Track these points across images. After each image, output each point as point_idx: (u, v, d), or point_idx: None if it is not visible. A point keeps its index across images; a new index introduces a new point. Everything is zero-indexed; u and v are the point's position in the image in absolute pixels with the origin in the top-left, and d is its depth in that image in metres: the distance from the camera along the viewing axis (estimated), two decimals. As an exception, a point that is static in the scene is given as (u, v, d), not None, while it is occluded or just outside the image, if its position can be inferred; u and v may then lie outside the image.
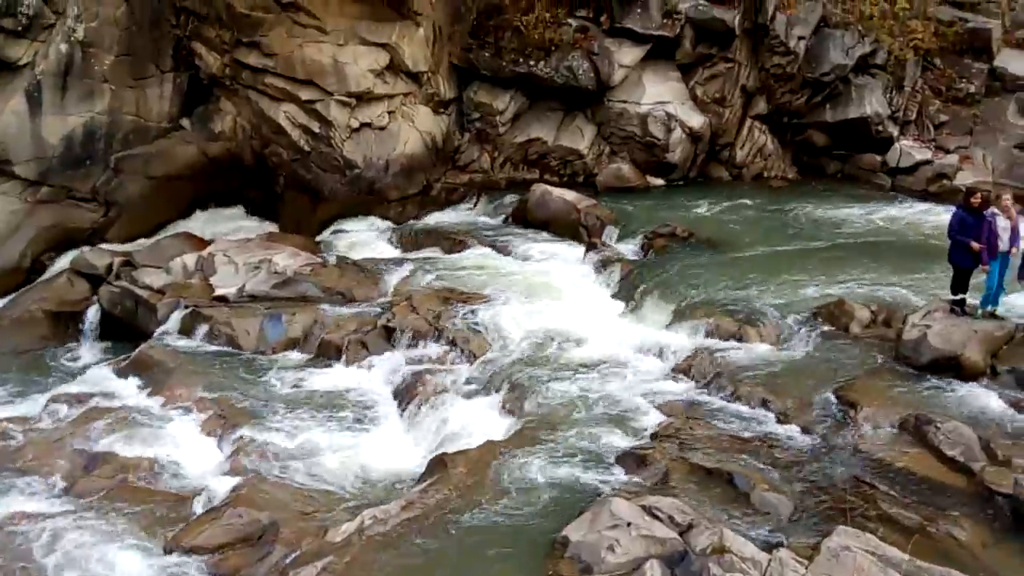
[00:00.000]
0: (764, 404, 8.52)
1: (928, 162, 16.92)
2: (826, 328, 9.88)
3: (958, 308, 9.20)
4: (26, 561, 6.75)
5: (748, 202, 15.31)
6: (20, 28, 13.40)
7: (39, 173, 13.95)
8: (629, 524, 6.28)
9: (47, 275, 13.82)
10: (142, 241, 14.53)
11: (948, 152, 17.10)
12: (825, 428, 8.02)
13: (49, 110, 13.88)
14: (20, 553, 6.87)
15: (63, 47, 13.88)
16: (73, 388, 9.89)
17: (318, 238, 14.96)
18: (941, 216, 14.32)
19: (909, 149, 17.07)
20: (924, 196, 16.22)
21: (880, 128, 16.92)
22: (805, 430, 8.05)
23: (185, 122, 15.81)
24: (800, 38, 16.57)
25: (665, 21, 16.31)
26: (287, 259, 12.41)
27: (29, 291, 13.18)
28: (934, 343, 8.77)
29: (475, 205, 16.12)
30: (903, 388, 8.52)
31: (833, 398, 8.43)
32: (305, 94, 15.46)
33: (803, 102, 17.08)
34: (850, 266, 11.67)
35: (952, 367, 8.65)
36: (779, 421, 8.25)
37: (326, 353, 10.49)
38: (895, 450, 7.55)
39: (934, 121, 17.57)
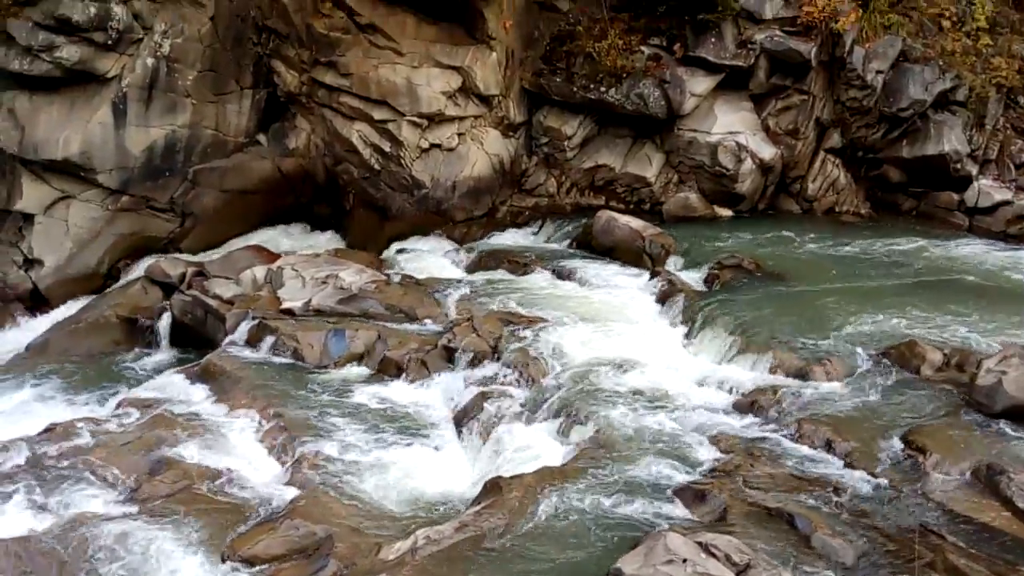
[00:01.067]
0: (828, 445, 8.30)
1: (1008, 203, 16.41)
2: (896, 369, 9.59)
3: (1037, 355, 8.87)
4: (89, 560, 6.92)
5: (818, 236, 15.02)
6: (109, 42, 13.96)
7: (121, 182, 14.47)
8: (685, 560, 6.17)
9: (123, 281, 14.30)
10: (214, 252, 14.94)
11: (1030, 193, 16.60)
12: (892, 473, 7.77)
13: (133, 122, 14.40)
14: (84, 552, 7.05)
15: (149, 61, 14.40)
16: (142, 393, 10.13)
17: (384, 255, 15.16)
18: (1020, 258, 13.93)
19: (988, 188, 16.59)
20: (1003, 237, 15.73)
21: (959, 166, 16.49)
22: (871, 474, 7.81)
23: (261, 137, 16.25)
24: (878, 72, 16.27)
25: (739, 51, 16.20)
26: (353, 275, 12.59)
27: (105, 296, 13.65)
28: (1010, 390, 8.45)
29: (540, 229, 16.17)
30: (975, 435, 8.22)
31: (901, 443, 8.18)
32: (378, 114, 15.75)
33: (879, 137, 16.76)
34: (923, 306, 11.34)
35: (1028, 416, 8.34)
36: (844, 463, 8.02)
37: (387, 370, 10.59)
38: (965, 500, 7.29)
39: (1015, 161, 17.04)
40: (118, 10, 13.88)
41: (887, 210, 17.14)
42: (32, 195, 14.21)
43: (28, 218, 14.30)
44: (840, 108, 16.71)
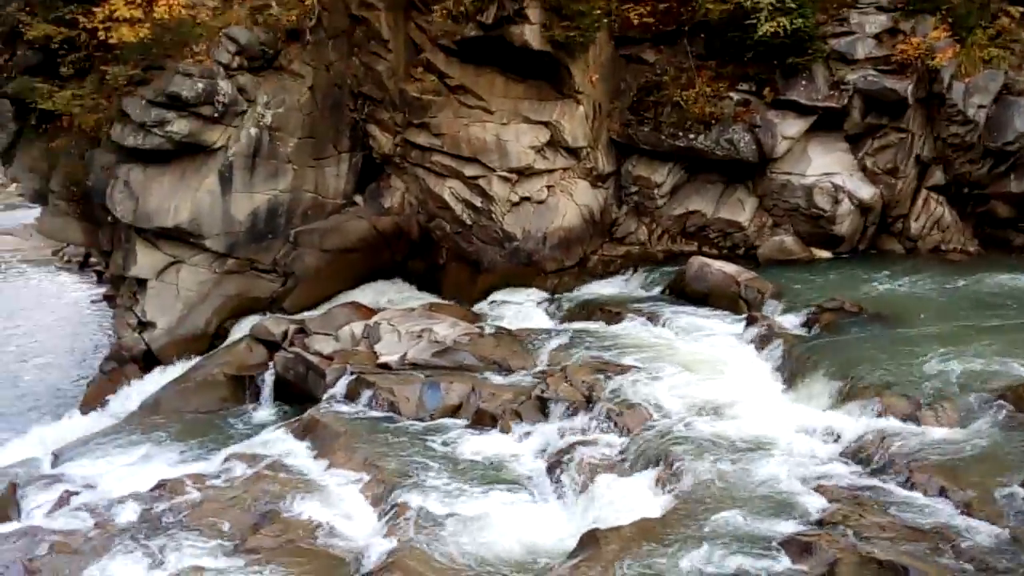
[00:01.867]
0: (942, 493, 7.88)
1: (1125, 236, 15.54)
2: (1011, 412, 9.05)
3: None
4: (198, 612, 7.12)
5: (924, 276, 14.46)
6: (216, 115, 14.73)
7: (227, 246, 15.13)
8: (791, 615, 5.92)
9: (229, 340, 14.86)
10: (315, 310, 15.39)
11: None
12: (1013, 522, 7.31)
13: (239, 188, 15.10)
14: (193, 604, 7.24)
15: (253, 131, 15.14)
16: (247, 448, 10.46)
17: (477, 308, 15.33)
18: None
19: (1105, 221, 15.74)
20: (1122, 272, 14.86)
21: (1071, 199, 15.72)
22: (990, 522, 7.36)
23: (358, 198, 16.81)
24: (980, 106, 15.72)
25: (832, 92, 15.94)
26: (447, 328, 12.77)
27: (213, 355, 14.19)
28: None
29: (631, 277, 16.09)
30: (1104, 481, 7.69)
31: (1021, 489, 7.69)
32: (469, 171, 16.09)
33: (984, 172, 16.13)
34: (1039, 346, 10.75)
35: None
36: (960, 512, 7.59)
37: (482, 422, 10.64)
38: (1096, 551, 6.80)
39: None
40: (224, 85, 14.67)
41: (996, 246, 16.41)
42: (145, 261, 15.00)
43: (142, 283, 15.08)
44: (941, 145, 16.19)
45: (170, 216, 14.73)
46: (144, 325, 14.98)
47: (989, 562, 6.88)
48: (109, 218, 15.34)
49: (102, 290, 23.02)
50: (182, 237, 14.94)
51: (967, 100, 15.72)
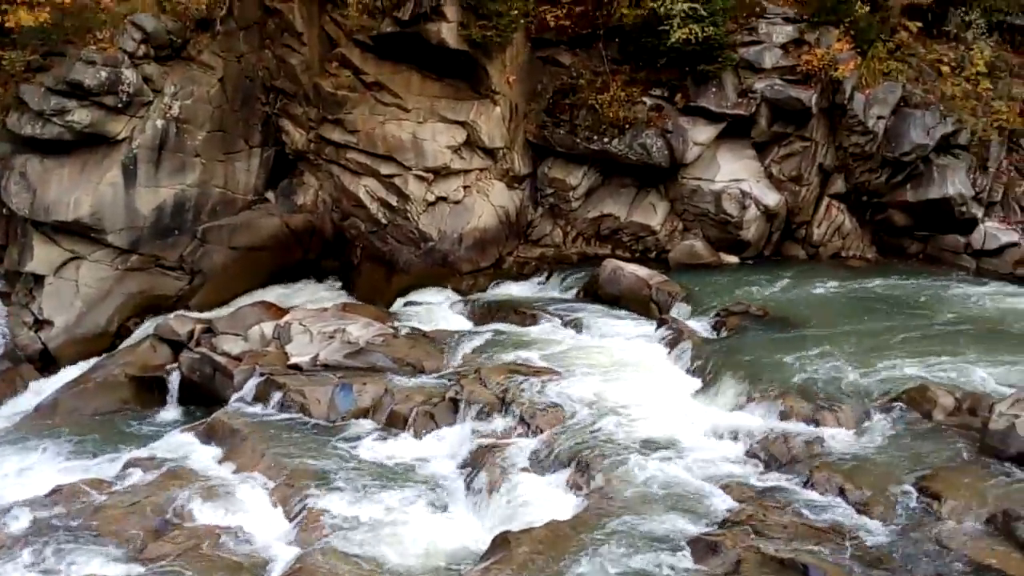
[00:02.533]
0: (841, 492, 8.18)
1: (1015, 244, 16.43)
2: (907, 414, 9.48)
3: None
4: (95, 624, 6.86)
5: (825, 281, 14.99)
6: (120, 105, 14.20)
7: (130, 242, 14.61)
8: (697, 614, 6.06)
9: (132, 340, 14.35)
10: (223, 309, 15.00)
11: (1035, 234, 16.59)
12: (906, 521, 7.65)
13: (143, 182, 14.60)
14: (90, 615, 6.97)
15: (159, 123, 14.66)
16: (149, 452, 10.11)
17: (391, 309, 15.20)
18: (1030, 300, 13.87)
19: (994, 231, 16.60)
20: (1011, 279, 15.69)
21: (963, 209, 16.53)
22: (885, 522, 7.69)
23: (270, 195, 16.46)
24: (879, 117, 16.40)
25: (740, 100, 16.36)
26: (360, 329, 12.61)
27: (114, 355, 13.70)
28: (1023, 434, 8.35)
29: (546, 279, 16.21)
30: (990, 481, 8.08)
31: (914, 489, 8.04)
32: (385, 169, 15.95)
33: (883, 181, 16.83)
34: (932, 350, 11.26)
35: (1043, 460, 8.21)
36: (857, 511, 7.89)
37: (394, 424, 10.55)
38: (981, 547, 7.15)
39: (1021, 203, 17.10)
40: (128, 74, 14.15)
41: (893, 254, 17.16)
42: (42, 256, 14.35)
43: (39, 279, 14.42)
44: (843, 154, 16.81)
45: (70, 210, 14.12)
46: (41, 323, 14.32)
47: (882, 559, 7.18)
48: (4, 210, 14.62)
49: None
50: (82, 232, 14.36)
51: (867, 111, 16.37)
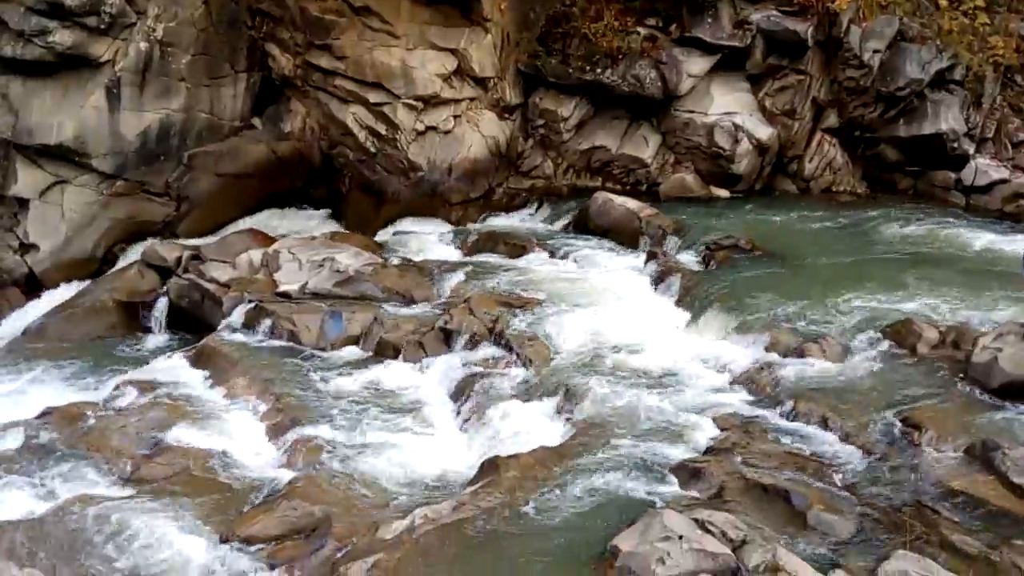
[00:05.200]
0: (824, 422, 8.33)
1: (1005, 181, 16.43)
2: (891, 347, 9.60)
3: (1032, 332, 8.88)
4: (89, 541, 6.95)
5: (815, 216, 15.03)
6: (103, 26, 13.86)
7: (115, 167, 14.42)
8: (681, 537, 6.20)
9: (119, 266, 14.28)
10: (211, 236, 14.90)
11: (1027, 171, 16.60)
12: (887, 450, 7.81)
13: (127, 106, 14.33)
14: (82, 534, 7.06)
15: (143, 45, 14.33)
16: (140, 376, 10.12)
17: (380, 238, 15.14)
18: (1017, 236, 13.94)
19: (985, 167, 16.58)
20: (1000, 216, 15.76)
21: (955, 145, 16.47)
22: (866, 451, 7.85)
23: (256, 121, 16.20)
24: (875, 51, 16.20)
25: (735, 31, 16.13)
26: (349, 258, 12.58)
27: (101, 280, 13.62)
28: (1005, 367, 8.47)
29: (536, 211, 16.17)
30: (971, 412, 8.25)
31: (896, 420, 8.20)
32: (373, 97, 15.70)
33: (876, 116, 16.72)
34: (919, 284, 11.36)
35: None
36: (839, 440, 8.05)
37: (384, 352, 10.60)
38: (960, 475, 7.31)
39: (1012, 139, 17.04)
40: (111, -7, 13.78)
41: (884, 189, 17.14)
42: (27, 180, 14.16)
43: (23, 203, 14.26)
44: (837, 88, 16.65)
45: (53, 133, 13.89)
46: (26, 247, 14.21)
47: (861, 486, 7.36)
48: (-15, 133, 14.37)
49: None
50: (66, 156, 14.14)
51: (863, 44, 16.17)
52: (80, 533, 7.04)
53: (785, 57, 16.43)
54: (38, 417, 8.97)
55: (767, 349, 9.92)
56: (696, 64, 16.24)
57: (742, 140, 16.20)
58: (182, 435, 8.60)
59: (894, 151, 17.03)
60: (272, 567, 6.75)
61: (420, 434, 8.87)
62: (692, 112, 16.40)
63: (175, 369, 10.31)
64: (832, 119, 16.99)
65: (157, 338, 12.43)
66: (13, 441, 8.47)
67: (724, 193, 16.60)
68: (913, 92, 16.36)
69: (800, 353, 9.72)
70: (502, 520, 6.93)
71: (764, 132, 16.39)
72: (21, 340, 12.48)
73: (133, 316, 12.77)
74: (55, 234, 14.24)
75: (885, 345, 9.68)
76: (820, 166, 17.06)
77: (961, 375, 8.86)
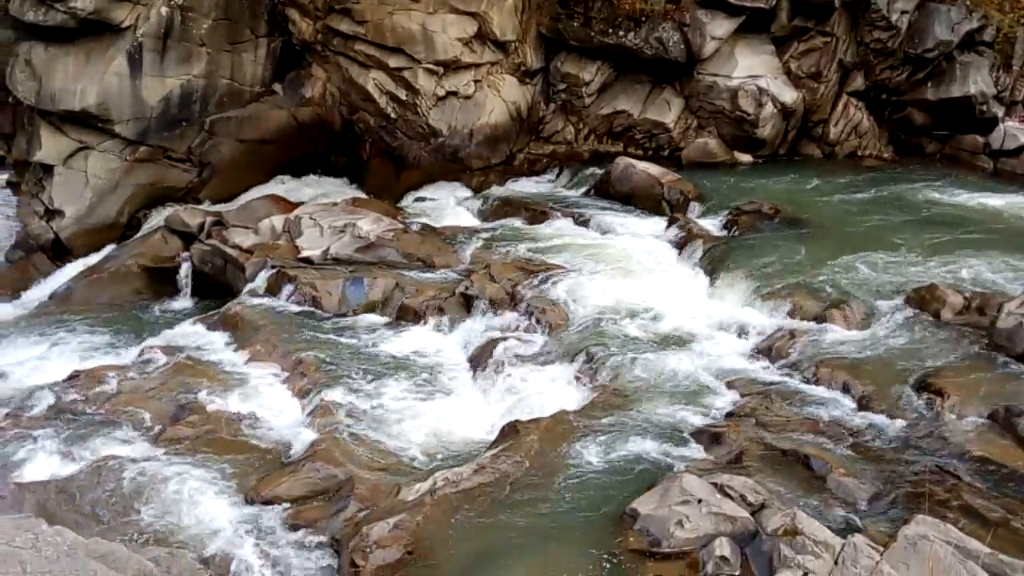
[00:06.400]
0: (845, 388, 8.30)
1: (1035, 145, 16.18)
2: (915, 313, 9.53)
3: (1059, 298, 8.77)
4: (116, 500, 7.08)
5: (840, 181, 14.86)
6: (123, -9, 13.83)
7: (138, 133, 14.48)
8: (700, 500, 6.22)
9: (142, 231, 14.40)
10: (233, 202, 14.98)
11: (1056, 135, 16.30)
12: (908, 415, 7.78)
13: (149, 71, 14.36)
14: (110, 495, 7.19)
15: (163, 10, 14.32)
16: (164, 340, 10.26)
17: (401, 204, 15.16)
18: (1046, 202, 13.73)
19: (1015, 131, 16.31)
20: (1028, 180, 15.57)
21: (984, 108, 16.19)
22: (887, 416, 7.81)
23: (277, 87, 16.19)
24: (903, 12, 15.91)
25: (760, -8, 15.87)
26: (370, 224, 12.61)
27: (126, 246, 13.77)
28: (1031, 333, 8.39)
29: (557, 176, 16.09)
30: (994, 378, 8.17)
31: (919, 386, 8.14)
32: (393, 61, 15.63)
33: (903, 79, 16.44)
34: (944, 250, 11.24)
35: (1049, 359, 8.27)
36: (860, 406, 8.02)
37: (405, 317, 10.66)
38: (982, 441, 7.27)
39: (1042, 102, 16.76)
40: (131, -42, 13.76)
41: (910, 153, 16.92)
42: (51, 146, 14.27)
43: (48, 169, 14.38)
44: (864, 50, 16.38)
45: (76, 99, 13.96)
46: (52, 213, 14.36)
47: (881, 452, 7.32)
48: (10, 99, 14.47)
49: (4, 176, 21.88)
50: (89, 121, 14.22)
51: (891, 5, 15.88)
52: (107, 493, 7.17)
53: (811, 19, 16.15)
54: (66, 380, 9.14)
55: (789, 315, 9.88)
56: (720, 26, 16.01)
57: (766, 104, 16.00)
58: (207, 398, 8.73)
59: (921, 114, 16.77)
60: (296, 527, 6.85)
61: (440, 398, 8.94)
62: (716, 75, 16.21)
63: (200, 334, 10.43)
64: (858, 82, 16.73)
65: (181, 302, 12.57)
66: (42, 403, 8.62)
67: (747, 158, 16.44)
68: (942, 54, 16.07)
69: (822, 319, 9.67)
70: (522, 483, 6.98)
71: (789, 95, 16.17)
72: (48, 305, 12.67)
73: (158, 281, 12.91)
74: (80, 200, 14.37)
75: (909, 311, 9.60)
76: (846, 130, 16.83)
77: (985, 341, 8.78)
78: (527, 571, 5.95)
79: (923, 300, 9.72)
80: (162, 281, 12.89)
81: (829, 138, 16.83)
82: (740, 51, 16.25)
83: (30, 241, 14.38)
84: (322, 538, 6.67)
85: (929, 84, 16.41)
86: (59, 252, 14.32)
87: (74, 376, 9.19)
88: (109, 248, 14.03)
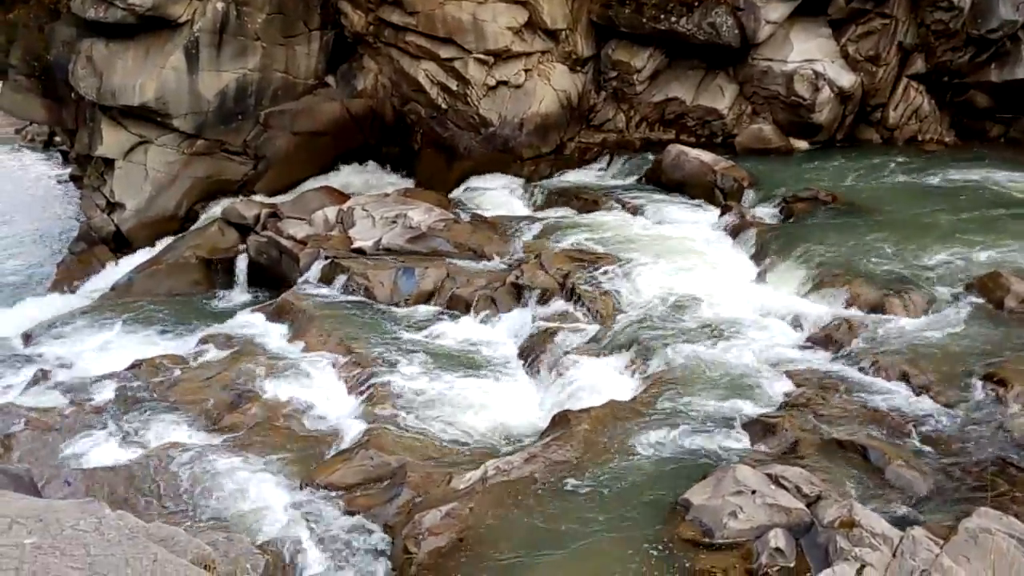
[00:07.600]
0: (904, 378, 8.09)
1: (1104, 127, 15.60)
2: (978, 302, 9.26)
3: None
4: (176, 485, 7.27)
5: (899, 166, 14.49)
6: (180, -13, 14.09)
7: (195, 126, 14.77)
8: (754, 492, 6.14)
9: (200, 223, 14.70)
10: (287, 194, 15.20)
11: None
12: (970, 406, 7.57)
13: (205, 66, 14.62)
14: (170, 480, 7.38)
15: (219, 5, 14.56)
16: (222, 330, 10.48)
17: (452, 194, 15.22)
18: (1117, 186, 13.22)
19: (1084, 113, 15.75)
20: (1098, 164, 14.99)
21: (1051, 90, 15.65)
22: (948, 407, 7.61)
23: (330, 79, 16.36)
24: (966, -9, 15.44)
25: (817, -26, 15.54)
26: (422, 214, 12.68)
27: (184, 238, 14.07)
28: (1100, 322, 8.11)
29: (608, 165, 15.98)
30: (1061, 369, 7.93)
31: (981, 376, 7.91)
32: (444, 52, 15.67)
33: (966, 61, 15.96)
34: (1009, 236, 10.88)
35: (1119, 348, 7.99)
36: (920, 396, 7.82)
37: (456, 307, 10.71)
38: (1048, 434, 7.07)
39: (1113, 82, 16.11)
40: (187, -45, 14.01)
41: (973, 137, 16.43)
42: (112, 141, 14.63)
43: (109, 163, 14.76)
44: (924, 32, 15.94)
45: (135, 94, 14.28)
46: (113, 206, 14.75)
47: (942, 443, 7.14)
48: (72, 95, 14.87)
49: (68, 170, 22.53)
50: (149, 116, 14.54)
51: (954, -15, 15.40)
52: (168, 479, 7.36)
53: (869, 0, 15.75)
54: (128, 369, 9.39)
55: (846, 304, 9.67)
56: (775, 10, 15.71)
57: (823, 88, 15.67)
58: (263, 387, 8.90)
59: (984, 97, 16.27)
60: (350, 514, 6.95)
61: (492, 387, 8.96)
62: (770, 60, 15.92)
63: (256, 324, 10.63)
64: (919, 65, 16.29)
65: (238, 293, 12.83)
66: (106, 392, 8.88)
67: (803, 144, 16.13)
68: (1006, 35, 15.55)
69: (881, 308, 9.46)
70: (573, 473, 6.97)
71: (846, 79, 15.82)
72: (109, 295, 13.03)
73: (215, 272, 13.21)
74: (140, 193, 14.72)
75: (971, 299, 9.35)
76: (905, 114, 16.40)
77: (1052, 330, 8.51)
78: (577, 560, 5.94)
79: (986, 288, 9.44)
80: (219, 272, 13.17)
81: (888, 123, 16.42)
82: (796, 35, 15.93)
83: (92, 233, 14.79)
84: (375, 525, 6.75)
85: (993, 66, 15.90)
86: (120, 244, 14.71)
87: (136, 365, 9.43)
88: (168, 240, 14.35)
